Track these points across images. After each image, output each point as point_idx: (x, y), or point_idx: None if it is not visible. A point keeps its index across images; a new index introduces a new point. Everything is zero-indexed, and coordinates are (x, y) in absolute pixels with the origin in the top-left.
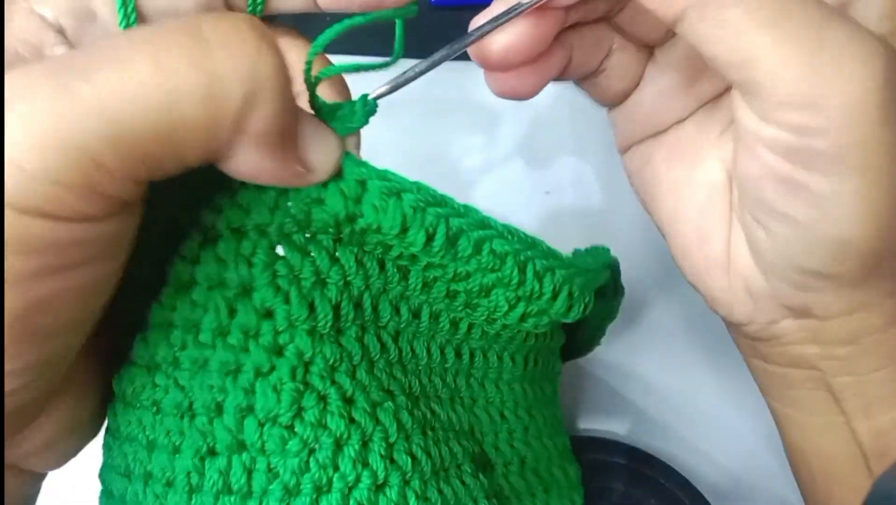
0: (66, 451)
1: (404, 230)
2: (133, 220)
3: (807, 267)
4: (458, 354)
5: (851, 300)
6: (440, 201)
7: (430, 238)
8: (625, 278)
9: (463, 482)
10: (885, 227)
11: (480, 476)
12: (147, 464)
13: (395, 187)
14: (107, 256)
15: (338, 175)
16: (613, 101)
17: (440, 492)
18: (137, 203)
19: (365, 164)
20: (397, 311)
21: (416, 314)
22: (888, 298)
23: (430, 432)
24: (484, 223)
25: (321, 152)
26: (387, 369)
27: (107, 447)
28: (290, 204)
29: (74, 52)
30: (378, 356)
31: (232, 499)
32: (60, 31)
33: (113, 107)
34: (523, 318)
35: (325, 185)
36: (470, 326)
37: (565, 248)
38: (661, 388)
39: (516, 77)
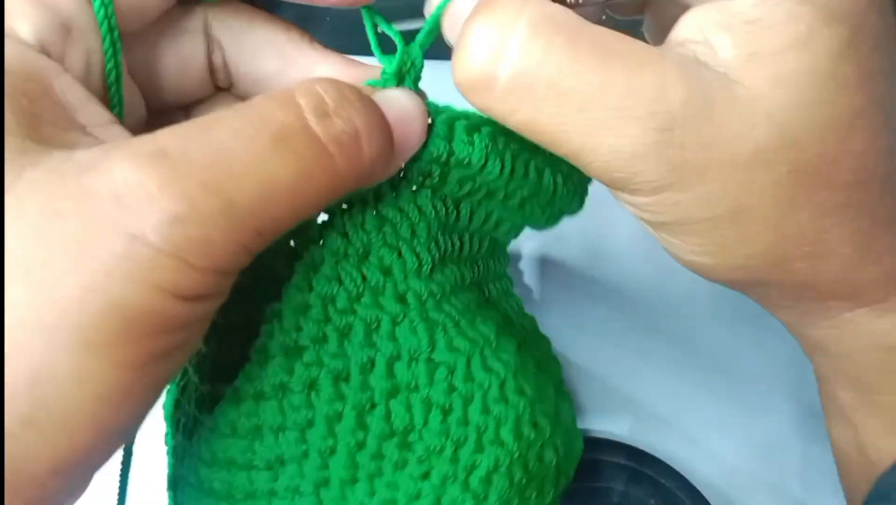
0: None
1: (486, 162)
2: None
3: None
4: (488, 243)
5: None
6: (502, 128)
7: (503, 167)
8: (625, 279)
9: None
10: (722, 272)
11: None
12: (300, 445)
13: (476, 122)
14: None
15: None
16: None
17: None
18: None
19: (444, 106)
20: (461, 241)
21: (462, 243)
22: (850, 309)
23: (507, 328)
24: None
25: (416, 132)
26: (464, 282)
27: (203, 442)
28: None
29: (212, 151)
30: (458, 278)
31: (396, 439)
32: (44, 51)
33: (268, 211)
34: (548, 219)
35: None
36: (498, 223)
37: (565, 247)
38: (661, 388)
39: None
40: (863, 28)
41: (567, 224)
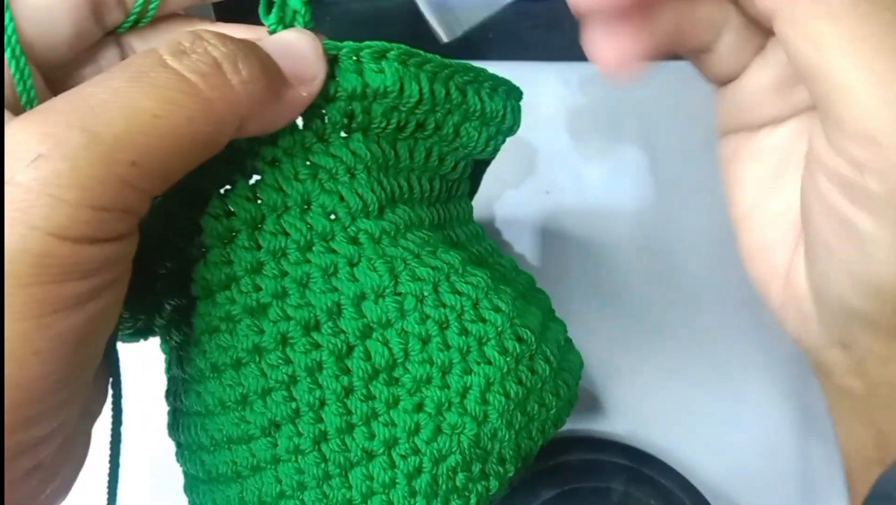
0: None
1: (402, 87)
2: (137, 232)
3: (845, 302)
4: (440, 185)
5: (889, 347)
6: (408, 51)
7: (421, 90)
8: (624, 279)
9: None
10: None
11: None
12: (289, 404)
13: (379, 48)
14: (127, 269)
15: (333, 61)
16: (720, 82)
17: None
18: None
19: (344, 43)
20: (402, 184)
21: (412, 185)
22: None
23: (475, 260)
24: (439, 60)
25: (307, 62)
26: (421, 223)
27: (200, 430)
28: (301, 120)
29: (75, 97)
30: (412, 217)
31: (381, 377)
32: None
33: (136, 140)
34: (487, 142)
35: (332, 72)
36: (441, 158)
37: (566, 247)
38: (661, 388)
39: (612, 37)
40: None
41: (567, 224)
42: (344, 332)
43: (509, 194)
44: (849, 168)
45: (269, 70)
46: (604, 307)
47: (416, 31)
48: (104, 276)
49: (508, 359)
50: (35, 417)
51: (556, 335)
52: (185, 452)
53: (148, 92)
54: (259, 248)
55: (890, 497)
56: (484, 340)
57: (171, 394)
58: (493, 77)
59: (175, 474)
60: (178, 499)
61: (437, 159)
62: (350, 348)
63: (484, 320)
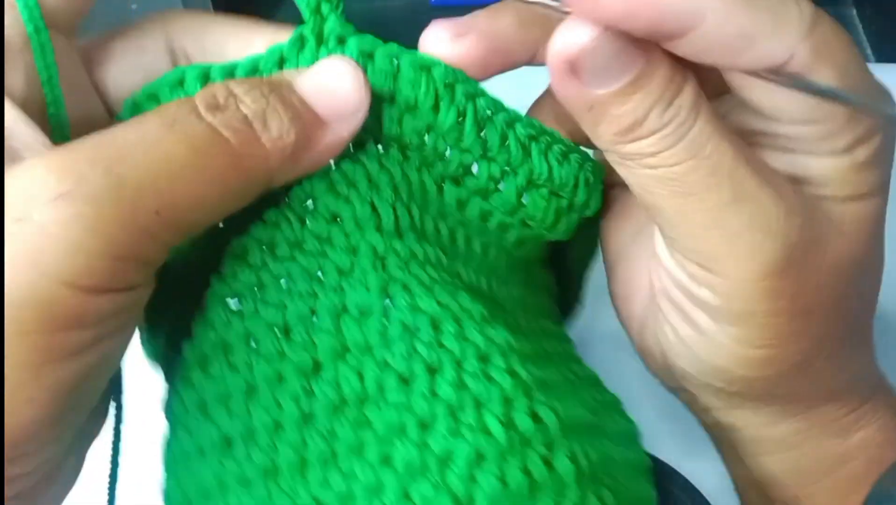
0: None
1: (437, 105)
2: (154, 278)
3: (687, 371)
4: (503, 259)
5: (727, 402)
6: (466, 79)
7: (460, 116)
8: None
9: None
10: (754, 370)
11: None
12: (245, 419)
13: (426, 61)
14: (137, 315)
15: (368, 57)
16: None
17: (530, 348)
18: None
19: (388, 44)
20: (437, 229)
21: (455, 237)
22: (765, 406)
23: (499, 308)
24: (497, 101)
25: (347, 97)
26: (454, 276)
27: (177, 421)
28: None
29: (102, 138)
30: (440, 260)
31: (348, 413)
32: None
33: (163, 188)
34: (557, 219)
35: (364, 68)
36: (503, 227)
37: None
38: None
39: None
40: None
41: None
42: (315, 345)
43: None
44: (685, 276)
45: (300, 120)
46: (604, 307)
47: (416, 33)
48: (111, 324)
49: (515, 437)
50: (19, 458)
51: (635, 460)
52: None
53: (180, 140)
54: (247, 233)
55: (890, 497)
56: (485, 402)
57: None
58: (564, 141)
59: None
60: None
61: (496, 226)
62: (317, 366)
63: (490, 379)
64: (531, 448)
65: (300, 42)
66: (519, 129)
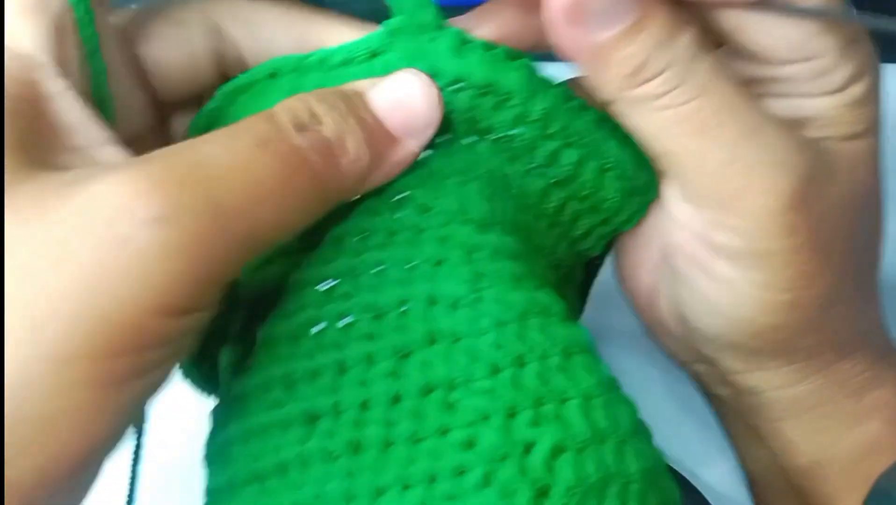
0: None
1: (530, 95)
2: None
3: (706, 331)
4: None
5: (748, 364)
6: (534, 65)
7: (548, 105)
8: None
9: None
10: (779, 316)
11: None
12: (331, 395)
13: (512, 51)
14: (199, 334)
15: (464, 45)
16: None
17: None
18: None
19: (476, 38)
20: (518, 223)
21: (533, 230)
22: (786, 364)
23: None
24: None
25: (420, 113)
26: (531, 267)
27: (247, 397)
28: None
29: (194, 155)
30: (522, 252)
31: (435, 396)
32: (44, 58)
33: (254, 213)
34: (632, 212)
35: (461, 57)
36: (575, 217)
37: None
38: (662, 388)
39: None
40: None
41: None
42: (406, 331)
43: None
44: (701, 223)
45: (375, 141)
46: (605, 307)
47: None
48: (182, 343)
49: (593, 430)
50: (73, 475)
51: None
52: (211, 446)
53: (272, 164)
54: (347, 218)
55: (890, 497)
56: (567, 396)
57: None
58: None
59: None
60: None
61: (569, 217)
62: (408, 352)
63: (572, 376)
64: (607, 442)
65: (394, 33)
66: (591, 112)
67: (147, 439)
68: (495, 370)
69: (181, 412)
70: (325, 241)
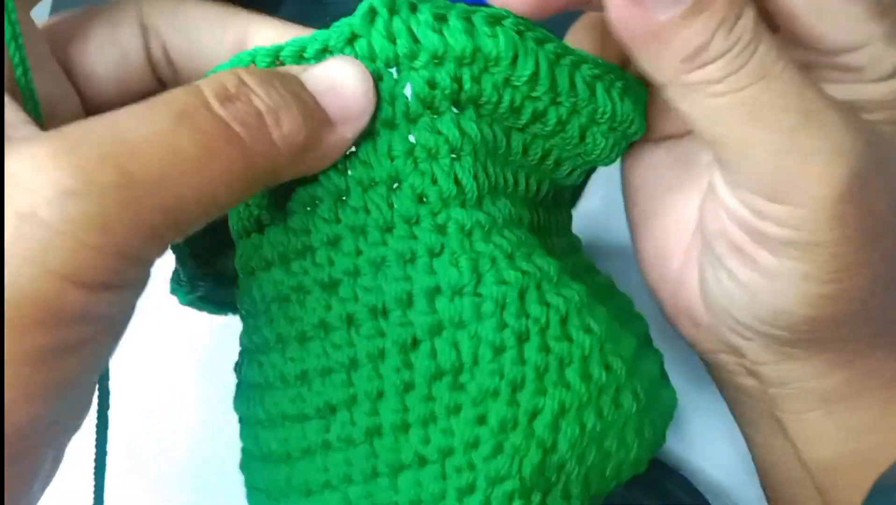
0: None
1: (515, 57)
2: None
3: (740, 320)
4: (547, 188)
5: (778, 355)
6: (527, 23)
7: (535, 66)
8: (624, 280)
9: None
10: (820, 308)
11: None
12: (347, 389)
13: (494, 13)
14: (133, 309)
15: (442, 20)
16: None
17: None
18: None
19: (456, 3)
20: (505, 179)
21: (518, 181)
22: (817, 355)
23: (571, 273)
24: (564, 44)
25: (355, 99)
26: (521, 223)
27: (257, 403)
28: (407, 85)
29: (113, 130)
30: (512, 213)
31: (445, 380)
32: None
33: (171, 186)
34: (612, 149)
35: (440, 31)
36: (558, 162)
37: None
38: None
39: None
40: None
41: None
42: (412, 324)
43: None
44: (748, 212)
45: (311, 118)
46: None
47: None
48: (109, 320)
49: (591, 387)
50: (14, 458)
51: (651, 367)
52: (243, 426)
53: (191, 136)
54: (339, 221)
55: (890, 497)
56: (566, 362)
57: (238, 365)
58: (624, 75)
59: (166, 477)
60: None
61: (553, 163)
62: (416, 342)
63: (570, 340)
64: (605, 394)
65: (371, 15)
66: (585, 69)
67: (146, 438)
68: (500, 350)
69: (180, 412)
70: (323, 241)
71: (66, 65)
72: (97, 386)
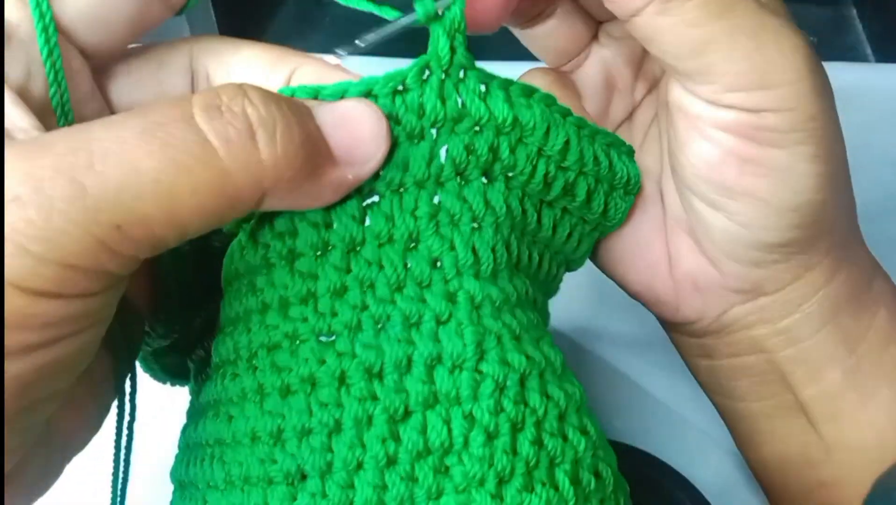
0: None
1: (549, 129)
2: (124, 285)
3: (765, 241)
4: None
5: (799, 266)
6: (550, 96)
7: (567, 137)
8: (620, 292)
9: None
10: (827, 191)
11: None
12: (324, 454)
13: (527, 86)
14: (99, 321)
15: (486, 89)
16: (554, 63)
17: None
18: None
19: (493, 75)
20: (529, 258)
21: (542, 263)
22: (825, 256)
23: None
24: (579, 117)
25: (364, 142)
26: (534, 305)
27: (216, 462)
28: (446, 148)
29: (78, 139)
30: (528, 294)
31: (431, 460)
32: None
33: (126, 203)
34: (606, 208)
35: (485, 99)
36: (581, 239)
37: None
38: (661, 388)
39: None
40: None
41: None
42: (406, 392)
43: None
44: (745, 114)
45: (311, 146)
46: (605, 307)
47: (416, 33)
48: (65, 328)
49: (579, 493)
50: None
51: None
52: (183, 492)
53: (155, 151)
54: (349, 271)
55: (890, 497)
56: (558, 461)
57: (185, 427)
58: (619, 139)
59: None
60: None
61: (576, 241)
62: (407, 413)
63: (565, 438)
64: (590, 501)
65: (423, 71)
66: (600, 139)
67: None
68: (492, 436)
69: (176, 411)
70: (328, 288)
71: (106, 96)
72: (117, 401)
